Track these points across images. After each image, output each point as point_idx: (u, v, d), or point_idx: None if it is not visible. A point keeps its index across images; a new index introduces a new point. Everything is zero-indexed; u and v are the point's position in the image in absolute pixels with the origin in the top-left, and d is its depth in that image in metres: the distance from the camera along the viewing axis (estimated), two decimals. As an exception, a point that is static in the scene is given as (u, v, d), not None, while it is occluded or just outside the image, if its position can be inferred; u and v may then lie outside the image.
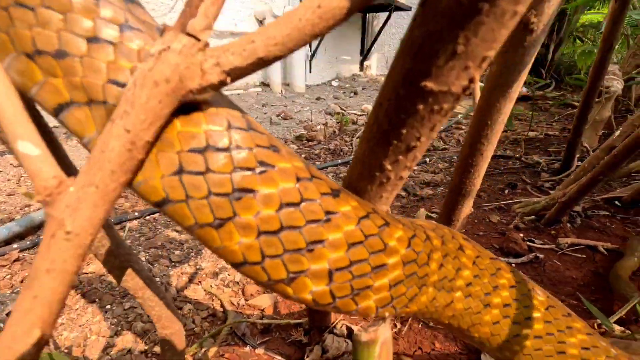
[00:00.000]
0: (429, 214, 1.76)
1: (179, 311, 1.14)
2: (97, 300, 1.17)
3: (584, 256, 1.33)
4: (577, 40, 7.04)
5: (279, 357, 0.94)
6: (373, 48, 7.48)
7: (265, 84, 5.48)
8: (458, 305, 0.38)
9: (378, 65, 8.03)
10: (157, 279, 1.28)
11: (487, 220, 1.67)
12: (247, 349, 0.98)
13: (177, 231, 1.63)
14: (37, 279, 0.24)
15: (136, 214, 1.72)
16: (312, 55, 6.10)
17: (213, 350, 0.94)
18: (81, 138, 0.27)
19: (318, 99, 5.24)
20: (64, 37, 0.24)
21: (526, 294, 0.42)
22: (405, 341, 0.90)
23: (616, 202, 1.68)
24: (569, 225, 1.52)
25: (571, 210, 1.60)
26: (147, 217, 1.74)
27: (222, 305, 1.15)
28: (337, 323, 0.96)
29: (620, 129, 1.55)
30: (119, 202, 1.92)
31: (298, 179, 0.29)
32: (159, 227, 1.68)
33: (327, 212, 0.29)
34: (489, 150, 0.55)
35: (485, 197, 2.00)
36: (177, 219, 0.27)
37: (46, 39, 0.23)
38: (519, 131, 3.62)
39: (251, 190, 0.27)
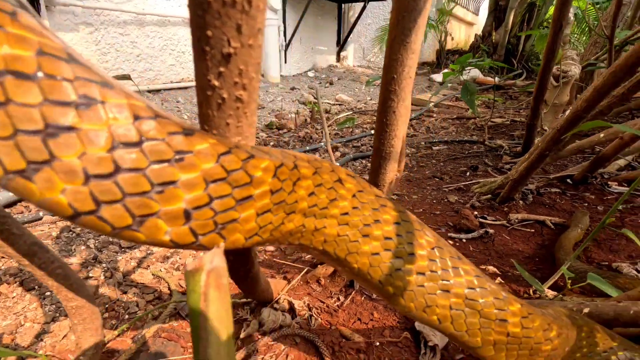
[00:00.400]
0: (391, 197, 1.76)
1: (124, 295, 1.11)
2: (36, 287, 1.12)
3: (533, 230, 1.36)
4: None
5: (221, 336, 0.92)
6: (349, 38, 7.46)
7: (238, 75, 5.39)
8: (330, 230, 0.37)
9: (355, 56, 8.02)
10: (104, 265, 1.23)
11: (446, 200, 1.69)
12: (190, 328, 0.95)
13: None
14: None
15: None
16: (287, 46, 6.03)
17: (152, 330, 0.91)
18: None
19: (293, 89, 5.19)
20: None
21: (412, 232, 0.42)
22: (345, 313, 0.90)
23: (568, 180, 1.72)
24: (521, 202, 1.55)
25: (524, 188, 1.63)
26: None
27: (169, 288, 1.12)
28: (279, 298, 0.94)
29: (570, 108, 1.58)
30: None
31: (136, 117, 0.26)
32: (113, 214, 1.62)
33: (179, 152, 0.27)
34: (402, 107, 0.54)
35: (447, 179, 2.03)
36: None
37: None
38: (486, 117, 3.69)
39: (71, 128, 0.23)
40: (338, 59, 7.68)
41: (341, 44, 7.55)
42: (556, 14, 1.54)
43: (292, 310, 0.90)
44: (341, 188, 0.37)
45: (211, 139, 0.29)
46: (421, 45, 0.51)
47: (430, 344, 0.73)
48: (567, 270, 0.86)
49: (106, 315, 1.03)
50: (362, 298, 0.95)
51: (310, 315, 0.88)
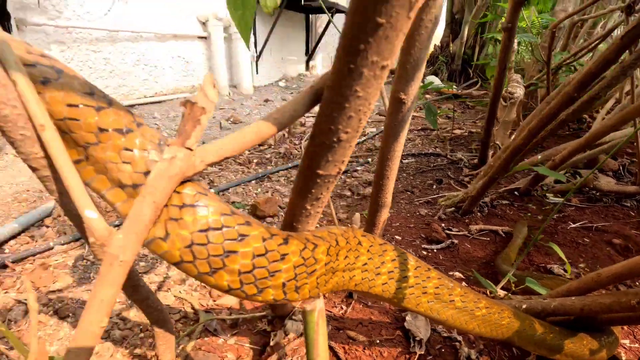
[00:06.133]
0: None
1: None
2: (70, 314, 1.25)
3: (488, 239, 1.66)
4: (497, 43, 7.88)
5: (248, 345, 1.12)
6: (317, 48, 7.72)
7: (212, 87, 5.46)
8: (357, 277, 0.59)
9: (323, 65, 8.30)
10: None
11: (417, 213, 1.97)
12: (220, 341, 1.14)
13: (138, 243, 1.71)
14: (102, 288, 0.41)
15: (94, 229, 1.77)
16: (258, 57, 6.18)
17: (191, 345, 1.09)
18: (113, 204, 0.43)
19: (266, 100, 5.36)
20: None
21: (403, 262, 0.65)
22: (349, 319, 1.13)
23: (515, 192, 2.07)
24: (479, 214, 1.86)
25: (481, 201, 1.95)
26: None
27: (192, 307, 1.30)
28: (294, 311, 1.16)
29: (511, 145, 1.92)
30: (72, 219, 1.94)
31: (223, 214, 0.45)
32: (119, 240, 1.74)
33: (241, 235, 0.45)
34: (392, 174, 0.78)
35: (417, 192, 2.32)
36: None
37: (124, 172, 0.40)
38: (448, 129, 4.08)
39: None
40: (307, 68, 7.92)
41: (310, 54, 7.79)
42: (500, 58, 1.86)
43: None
44: (360, 247, 0.60)
45: (261, 227, 0.48)
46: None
47: (417, 338, 0.98)
48: (512, 276, 1.14)
49: (142, 335, 1.19)
50: (361, 306, 1.19)
51: (321, 323, 1.10)
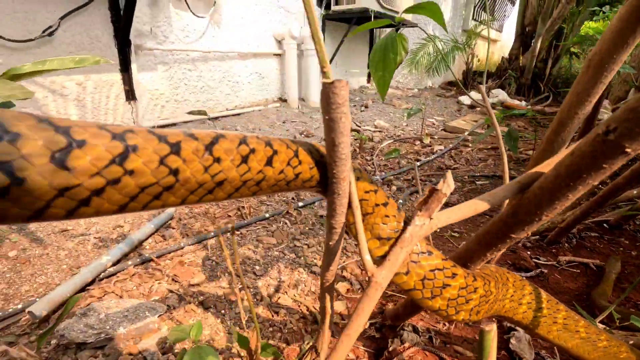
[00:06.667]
0: (453, 233, 2.15)
1: (275, 315, 1.52)
2: (212, 306, 1.55)
3: (579, 271, 1.72)
4: (573, 56, 7.47)
5: (362, 348, 1.32)
6: (380, 61, 7.89)
7: (282, 100, 5.86)
8: (507, 306, 0.76)
9: (384, 77, 8.44)
10: (252, 289, 1.65)
11: (501, 239, 2.06)
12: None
13: (250, 250, 2.00)
14: (368, 303, 0.62)
15: (212, 233, 2.10)
16: (325, 71, 6.49)
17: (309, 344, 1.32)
18: (370, 249, 0.65)
19: (333, 114, 5.61)
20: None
21: (537, 295, 0.81)
22: (454, 335, 1.29)
23: (605, 225, 2.07)
24: (566, 244, 1.91)
25: (568, 232, 1.99)
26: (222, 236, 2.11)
27: (307, 309, 1.53)
28: (405, 323, 1.34)
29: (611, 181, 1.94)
30: (190, 223, 2.30)
31: (444, 267, 0.66)
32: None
33: (453, 274, 0.67)
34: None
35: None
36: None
37: (383, 230, 0.62)
38: (521, 149, 4.03)
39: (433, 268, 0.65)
40: (368, 80, 8.11)
41: (372, 66, 7.96)
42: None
43: (415, 331, 1.30)
44: (508, 282, 0.77)
45: (461, 270, 0.69)
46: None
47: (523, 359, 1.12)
48: (614, 312, 1.23)
49: (270, 329, 1.45)
50: (462, 324, 1.34)
51: (430, 336, 1.27)
